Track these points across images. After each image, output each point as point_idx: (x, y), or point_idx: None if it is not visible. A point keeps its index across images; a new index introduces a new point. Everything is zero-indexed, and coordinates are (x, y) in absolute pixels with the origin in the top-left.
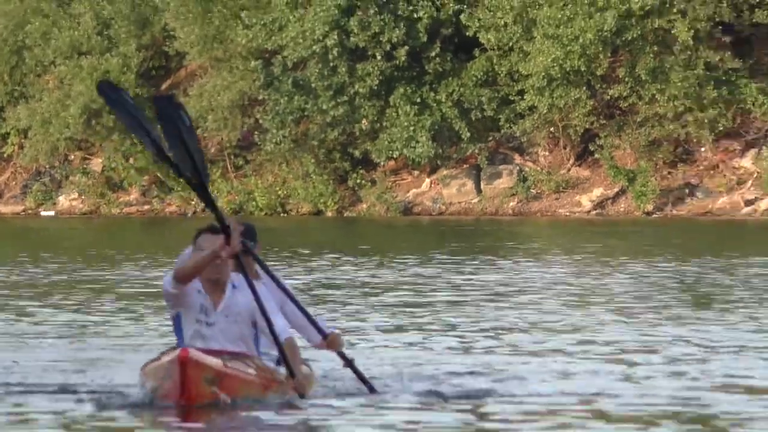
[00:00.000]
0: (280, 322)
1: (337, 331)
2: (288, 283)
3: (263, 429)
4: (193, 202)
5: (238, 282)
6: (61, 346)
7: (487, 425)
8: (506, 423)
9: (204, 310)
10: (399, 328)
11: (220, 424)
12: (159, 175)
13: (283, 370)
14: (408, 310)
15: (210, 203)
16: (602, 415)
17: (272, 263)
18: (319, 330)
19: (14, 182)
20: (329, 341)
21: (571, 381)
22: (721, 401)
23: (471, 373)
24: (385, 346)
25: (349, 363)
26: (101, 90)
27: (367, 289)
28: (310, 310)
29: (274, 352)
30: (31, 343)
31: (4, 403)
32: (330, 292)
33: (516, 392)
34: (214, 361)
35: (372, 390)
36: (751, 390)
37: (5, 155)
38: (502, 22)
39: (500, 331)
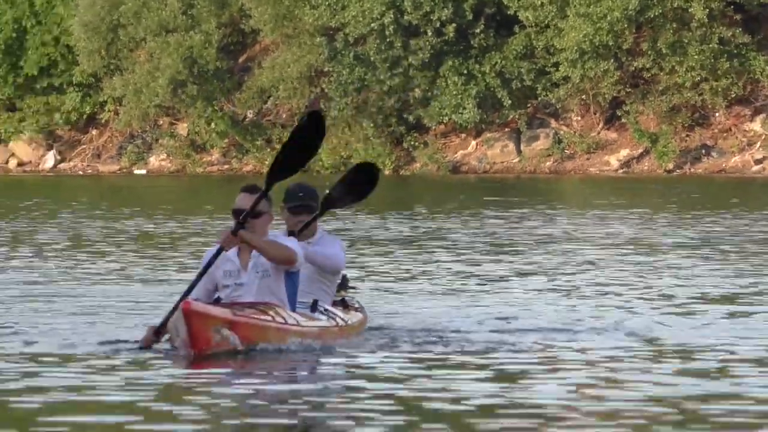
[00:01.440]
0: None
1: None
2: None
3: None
4: (266, 162)
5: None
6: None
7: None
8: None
9: (229, 275)
10: (460, 274)
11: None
12: (237, 138)
13: (318, 315)
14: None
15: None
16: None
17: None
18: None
19: (111, 144)
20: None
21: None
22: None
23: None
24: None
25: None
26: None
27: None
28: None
29: (308, 300)
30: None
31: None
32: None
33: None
34: (220, 311)
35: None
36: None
37: (103, 121)
38: (539, 2)
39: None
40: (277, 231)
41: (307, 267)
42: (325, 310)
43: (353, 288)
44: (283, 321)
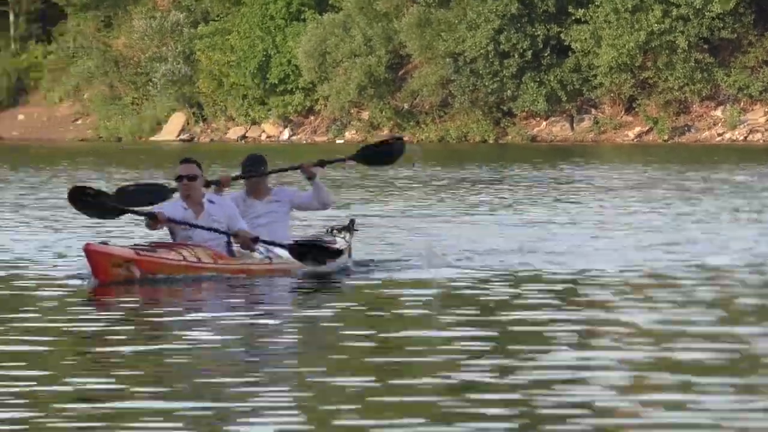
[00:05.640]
0: (243, 225)
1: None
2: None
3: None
4: (416, 135)
5: (215, 198)
6: None
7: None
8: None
9: (186, 221)
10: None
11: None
12: (398, 120)
13: (257, 255)
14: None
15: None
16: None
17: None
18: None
19: (322, 124)
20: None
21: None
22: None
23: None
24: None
25: (323, 163)
26: (71, 199)
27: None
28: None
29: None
30: None
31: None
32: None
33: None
34: (121, 250)
35: (348, 158)
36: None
37: (317, 110)
38: (584, 37)
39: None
40: (236, 192)
41: (271, 216)
42: (267, 250)
43: (357, 230)
44: (196, 260)
